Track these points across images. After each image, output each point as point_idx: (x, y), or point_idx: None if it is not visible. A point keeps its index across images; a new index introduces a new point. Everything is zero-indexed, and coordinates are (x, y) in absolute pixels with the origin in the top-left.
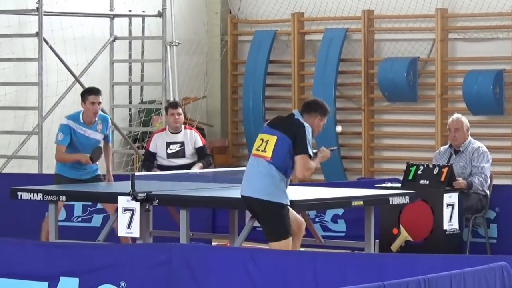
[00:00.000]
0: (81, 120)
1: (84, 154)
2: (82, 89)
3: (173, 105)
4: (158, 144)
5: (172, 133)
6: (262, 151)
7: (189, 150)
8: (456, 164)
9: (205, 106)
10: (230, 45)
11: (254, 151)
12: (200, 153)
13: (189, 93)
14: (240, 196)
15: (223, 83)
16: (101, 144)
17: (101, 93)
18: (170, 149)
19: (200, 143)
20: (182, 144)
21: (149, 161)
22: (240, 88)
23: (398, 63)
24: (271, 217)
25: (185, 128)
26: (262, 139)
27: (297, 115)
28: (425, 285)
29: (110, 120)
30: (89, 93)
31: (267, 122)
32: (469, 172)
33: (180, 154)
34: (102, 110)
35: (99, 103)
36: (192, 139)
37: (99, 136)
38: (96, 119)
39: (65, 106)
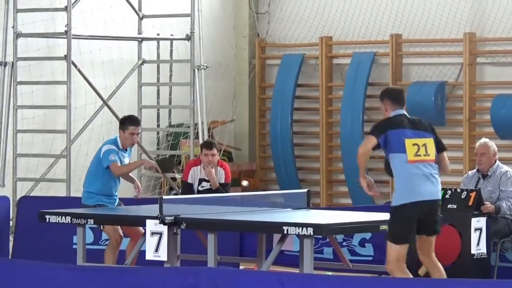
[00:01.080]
0: (120, 146)
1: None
2: (110, 112)
3: (208, 145)
4: (193, 178)
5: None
6: (424, 155)
7: (214, 185)
8: (484, 188)
9: (233, 129)
10: (258, 69)
11: (413, 158)
12: (221, 188)
13: (217, 117)
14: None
15: (251, 106)
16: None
17: (141, 124)
18: (202, 186)
19: (222, 180)
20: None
21: (189, 192)
22: (268, 111)
23: (426, 87)
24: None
25: (217, 164)
26: (416, 144)
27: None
28: None
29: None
30: (130, 123)
31: (394, 123)
32: (497, 196)
33: (210, 191)
34: None
35: (138, 134)
36: (219, 175)
37: (128, 160)
38: None
39: (94, 129)
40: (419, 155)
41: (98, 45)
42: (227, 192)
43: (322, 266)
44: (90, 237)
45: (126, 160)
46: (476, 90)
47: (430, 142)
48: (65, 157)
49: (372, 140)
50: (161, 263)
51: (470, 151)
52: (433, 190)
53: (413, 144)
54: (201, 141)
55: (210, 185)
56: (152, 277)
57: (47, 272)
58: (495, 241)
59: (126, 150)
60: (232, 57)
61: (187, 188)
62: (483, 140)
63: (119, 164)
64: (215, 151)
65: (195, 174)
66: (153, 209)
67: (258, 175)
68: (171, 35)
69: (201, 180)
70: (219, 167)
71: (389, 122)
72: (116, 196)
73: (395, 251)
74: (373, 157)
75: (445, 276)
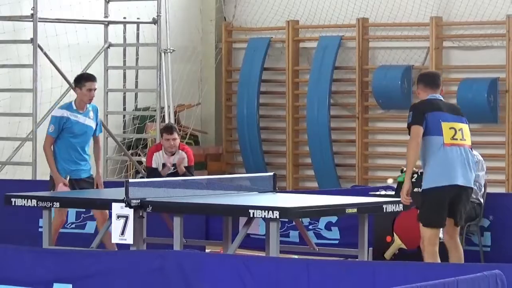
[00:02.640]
0: (74, 107)
1: (60, 177)
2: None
3: (168, 130)
4: (156, 163)
5: (168, 153)
6: (461, 139)
7: (181, 171)
8: None
9: (199, 113)
10: (225, 52)
11: (450, 141)
12: (186, 172)
13: (184, 100)
14: None
15: (217, 90)
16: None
17: (97, 80)
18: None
19: (186, 164)
20: (176, 166)
21: (155, 176)
22: (235, 95)
23: (392, 71)
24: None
25: (179, 148)
26: (453, 128)
27: None
28: None
29: (98, 110)
30: (87, 79)
31: (429, 107)
32: None
33: (174, 175)
34: None
35: (95, 89)
36: (182, 159)
37: (92, 123)
38: (88, 106)
39: None
40: (456, 139)
41: (64, 29)
42: (192, 175)
43: (288, 249)
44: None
45: (85, 121)
46: (443, 74)
47: (466, 127)
48: (31, 140)
49: (419, 130)
50: (127, 246)
51: None
52: (466, 176)
53: (450, 128)
54: None
55: (174, 169)
56: (118, 260)
57: (13, 255)
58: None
59: (84, 111)
60: (199, 40)
61: (153, 172)
62: None
63: (53, 139)
64: (175, 135)
65: (158, 159)
66: (119, 193)
67: (225, 158)
68: (138, 18)
69: (164, 165)
70: (181, 151)
71: (426, 105)
72: (85, 168)
73: (428, 234)
74: (340, 140)
75: (462, 260)
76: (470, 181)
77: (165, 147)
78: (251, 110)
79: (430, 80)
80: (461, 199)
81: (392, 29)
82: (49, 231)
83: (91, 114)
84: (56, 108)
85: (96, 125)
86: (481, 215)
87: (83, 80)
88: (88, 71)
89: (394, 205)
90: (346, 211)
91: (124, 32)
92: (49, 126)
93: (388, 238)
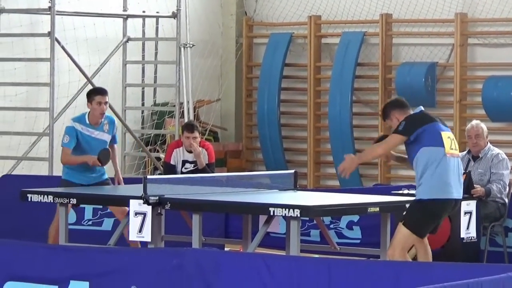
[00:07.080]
0: (87, 121)
1: (91, 155)
2: None
3: (190, 128)
4: (175, 159)
5: (188, 151)
6: (455, 149)
7: (201, 165)
8: (475, 171)
9: (219, 109)
10: (245, 48)
11: (450, 151)
12: (206, 168)
13: (203, 96)
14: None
15: (237, 86)
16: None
17: (108, 93)
18: (185, 168)
19: (206, 161)
20: (196, 163)
21: (171, 173)
22: (255, 91)
23: (416, 68)
24: None
25: (199, 145)
26: (449, 137)
27: None
28: None
29: (116, 121)
30: (96, 93)
31: (427, 119)
32: (487, 179)
33: (194, 173)
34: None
35: (106, 103)
36: (202, 156)
37: (106, 137)
38: (103, 119)
39: (77, 107)
40: (453, 149)
41: (82, 22)
42: (212, 172)
43: (309, 248)
44: (72, 217)
45: (98, 135)
46: (467, 71)
47: (453, 137)
48: (48, 135)
49: (397, 140)
50: (144, 243)
51: (460, 133)
52: (459, 189)
53: (448, 137)
54: (186, 121)
55: (194, 167)
56: (135, 258)
57: (29, 252)
58: (485, 225)
59: (98, 125)
60: (219, 35)
61: (170, 169)
62: (476, 121)
63: (69, 150)
64: (196, 134)
65: (178, 156)
66: (137, 189)
67: (245, 155)
68: (157, 12)
69: (184, 162)
70: (201, 148)
71: (425, 117)
72: (97, 173)
73: (408, 239)
74: (363, 138)
75: (430, 260)
76: (461, 194)
77: (185, 145)
78: (272, 107)
79: (401, 102)
80: (453, 213)
81: (416, 25)
82: (66, 227)
83: (106, 127)
84: (71, 119)
85: (112, 137)
86: (506, 215)
87: (93, 94)
88: (106, 65)
89: None
90: (368, 210)
91: (143, 26)
92: (64, 136)
93: None
